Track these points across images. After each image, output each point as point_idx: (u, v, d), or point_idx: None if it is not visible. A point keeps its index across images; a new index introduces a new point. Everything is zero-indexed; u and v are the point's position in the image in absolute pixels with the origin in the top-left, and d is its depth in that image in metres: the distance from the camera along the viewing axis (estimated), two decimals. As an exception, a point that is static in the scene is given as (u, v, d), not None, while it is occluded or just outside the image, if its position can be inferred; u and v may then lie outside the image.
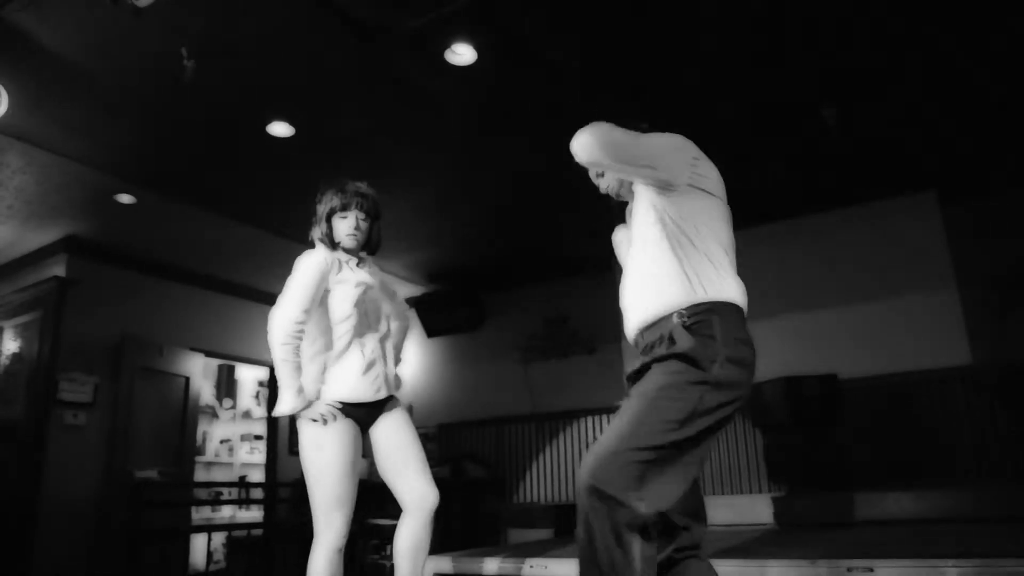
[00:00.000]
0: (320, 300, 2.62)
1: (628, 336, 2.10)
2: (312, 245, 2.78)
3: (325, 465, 2.49)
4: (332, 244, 2.73)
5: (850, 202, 5.58)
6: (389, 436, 2.68)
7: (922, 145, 4.78)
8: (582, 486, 1.73)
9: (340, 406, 2.57)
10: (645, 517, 1.68)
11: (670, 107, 4.21)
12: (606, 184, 2.24)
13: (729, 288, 1.96)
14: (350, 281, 2.66)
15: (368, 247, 2.82)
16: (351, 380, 2.60)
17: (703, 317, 1.88)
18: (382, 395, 2.66)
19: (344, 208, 2.72)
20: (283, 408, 2.50)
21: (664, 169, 1.97)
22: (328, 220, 2.74)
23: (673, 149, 2.02)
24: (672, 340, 1.88)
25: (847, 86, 4.05)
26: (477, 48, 3.61)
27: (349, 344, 2.63)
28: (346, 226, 2.71)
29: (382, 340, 2.74)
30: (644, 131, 2.05)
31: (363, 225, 2.74)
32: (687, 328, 1.87)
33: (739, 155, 4.82)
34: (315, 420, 2.50)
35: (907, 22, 3.49)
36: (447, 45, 3.58)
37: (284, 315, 2.53)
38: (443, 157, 4.79)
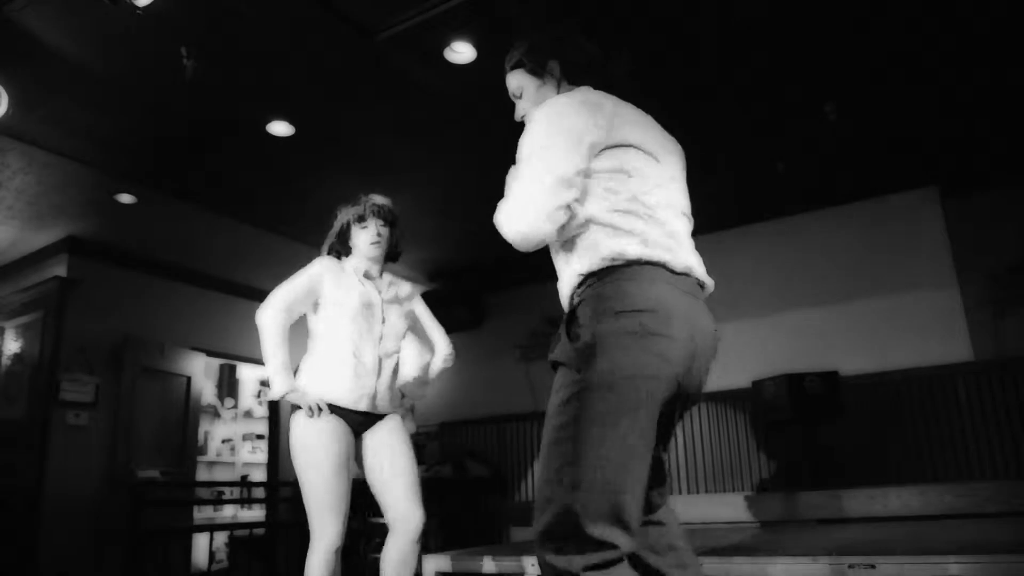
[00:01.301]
0: (313, 305, 2.75)
1: None
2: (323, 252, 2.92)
3: (313, 467, 2.52)
4: (343, 254, 2.86)
5: (851, 199, 5.58)
6: (377, 451, 2.71)
7: (923, 141, 4.77)
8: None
9: (336, 411, 2.62)
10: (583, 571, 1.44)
11: (669, 104, 4.20)
12: (522, 110, 2.00)
13: (627, 246, 1.58)
14: (353, 292, 2.73)
15: (391, 255, 2.93)
16: (334, 382, 2.64)
17: (589, 293, 1.58)
18: (363, 407, 2.66)
19: (362, 219, 2.81)
20: (275, 390, 2.58)
21: (576, 159, 1.62)
22: (344, 234, 2.85)
23: (565, 143, 1.63)
24: (558, 336, 1.62)
25: (848, 82, 4.04)
26: (476, 46, 3.61)
27: (347, 350, 2.67)
28: (368, 235, 2.81)
29: (383, 357, 2.76)
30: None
31: (383, 232, 2.84)
32: (571, 314, 1.59)
33: (740, 152, 4.82)
34: (302, 409, 2.55)
35: (907, 17, 3.49)
36: (446, 43, 3.58)
37: (264, 306, 2.73)
38: (443, 155, 4.79)
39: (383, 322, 2.78)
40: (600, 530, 1.44)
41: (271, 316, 2.69)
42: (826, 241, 5.67)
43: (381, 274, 2.91)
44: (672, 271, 1.60)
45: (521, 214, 1.61)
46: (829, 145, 4.74)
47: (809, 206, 5.70)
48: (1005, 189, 5.17)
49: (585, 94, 1.77)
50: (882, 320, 5.35)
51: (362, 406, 2.66)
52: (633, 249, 1.57)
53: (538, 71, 1.93)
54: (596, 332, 1.51)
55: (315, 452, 2.52)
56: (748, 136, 4.63)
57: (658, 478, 1.75)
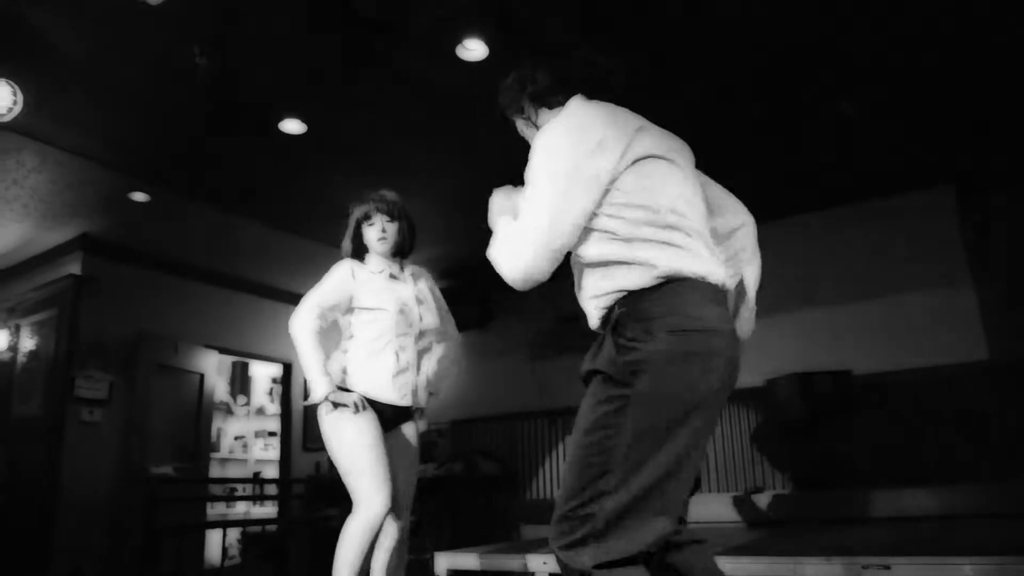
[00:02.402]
0: (345, 306, 2.77)
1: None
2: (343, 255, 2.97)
3: (355, 443, 2.54)
4: (359, 253, 2.90)
5: (866, 197, 5.54)
6: (396, 454, 2.75)
7: (940, 139, 4.73)
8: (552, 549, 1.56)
9: (373, 406, 2.68)
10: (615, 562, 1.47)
11: (683, 100, 4.18)
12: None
13: (671, 262, 1.60)
14: (382, 288, 2.79)
15: (402, 250, 2.94)
16: (381, 379, 2.70)
17: (636, 307, 1.58)
18: (407, 402, 2.75)
19: (368, 216, 2.86)
20: (318, 393, 2.58)
21: (595, 191, 1.63)
22: (357, 231, 2.90)
23: (586, 170, 1.62)
24: (599, 347, 1.63)
25: (863, 79, 4.01)
26: (488, 43, 3.61)
27: (385, 347, 2.72)
28: (374, 232, 2.85)
29: (420, 352, 2.86)
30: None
31: (390, 228, 2.87)
32: (616, 329, 1.59)
33: (754, 150, 4.80)
34: (346, 406, 2.56)
35: (923, 16, 3.46)
36: (458, 40, 3.57)
37: (302, 306, 2.72)
38: (455, 153, 4.79)
39: (420, 319, 2.86)
40: (625, 543, 1.47)
41: (304, 323, 2.69)
42: (840, 240, 5.63)
43: (402, 269, 2.95)
44: (710, 284, 1.63)
45: (520, 256, 1.66)
46: (844, 143, 4.71)
47: (823, 204, 5.67)
48: (1021, 188, 5.12)
49: (582, 115, 1.75)
50: (896, 319, 5.31)
51: (406, 402, 2.75)
52: (676, 265, 1.59)
53: (517, 114, 1.99)
54: (647, 349, 1.52)
55: (355, 428, 2.56)
56: (761, 134, 4.60)
57: (693, 488, 1.78)
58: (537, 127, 1.95)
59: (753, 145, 4.74)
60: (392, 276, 2.87)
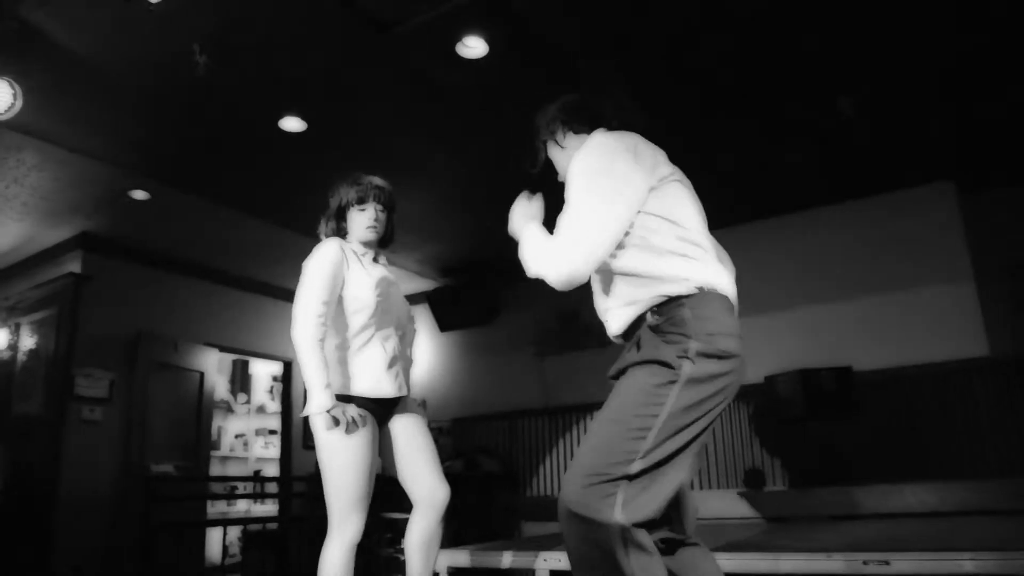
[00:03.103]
0: (337, 294, 2.54)
1: (610, 336, 2.04)
2: (322, 237, 2.74)
3: (346, 466, 2.44)
4: (342, 236, 2.70)
5: (866, 193, 5.54)
6: (408, 437, 2.65)
7: (939, 135, 4.73)
8: (561, 510, 1.68)
9: (368, 405, 2.53)
10: (626, 530, 1.60)
11: (682, 100, 4.18)
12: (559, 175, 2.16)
13: (701, 274, 1.81)
14: (368, 275, 2.61)
15: (384, 240, 2.79)
16: (376, 374, 2.55)
17: (673, 313, 1.78)
18: (404, 392, 2.65)
19: (362, 201, 2.68)
20: (315, 405, 2.38)
21: (633, 204, 1.83)
22: (341, 214, 2.71)
23: (624, 184, 1.82)
24: (639, 346, 1.81)
25: (863, 76, 4.01)
26: (488, 40, 3.60)
27: (371, 338, 2.58)
28: (365, 219, 2.67)
29: (400, 338, 2.72)
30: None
31: (381, 217, 2.71)
32: (656, 329, 1.79)
33: (755, 147, 4.79)
34: (340, 422, 2.40)
35: (922, 12, 3.46)
36: (458, 38, 3.57)
37: (304, 311, 2.44)
38: (455, 150, 4.78)
39: (399, 304, 2.74)
40: (649, 502, 1.65)
41: (309, 332, 2.42)
42: (841, 236, 5.63)
43: (376, 259, 2.78)
44: (726, 296, 1.85)
45: (566, 261, 1.81)
46: (844, 139, 4.71)
47: (824, 200, 5.67)
48: (1022, 184, 5.12)
49: (616, 138, 1.93)
50: (897, 316, 5.31)
51: (402, 392, 2.63)
52: (704, 277, 1.80)
53: (550, 136, 2.14)
54: (690, 345, 1.73)
55: (351, 451, 2.44)
56: (762, 131, 4.60)
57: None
58: (562, 147, 2.14)
59: (753, 144, 4.73)
60: (374, 260, 2.74)
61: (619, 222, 1.81)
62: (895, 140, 4.79)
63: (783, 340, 5.60)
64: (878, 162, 5.08)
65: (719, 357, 1.74)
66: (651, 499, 1.66)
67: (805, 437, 5.25)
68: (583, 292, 2.09)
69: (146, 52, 3.60)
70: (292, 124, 4.32)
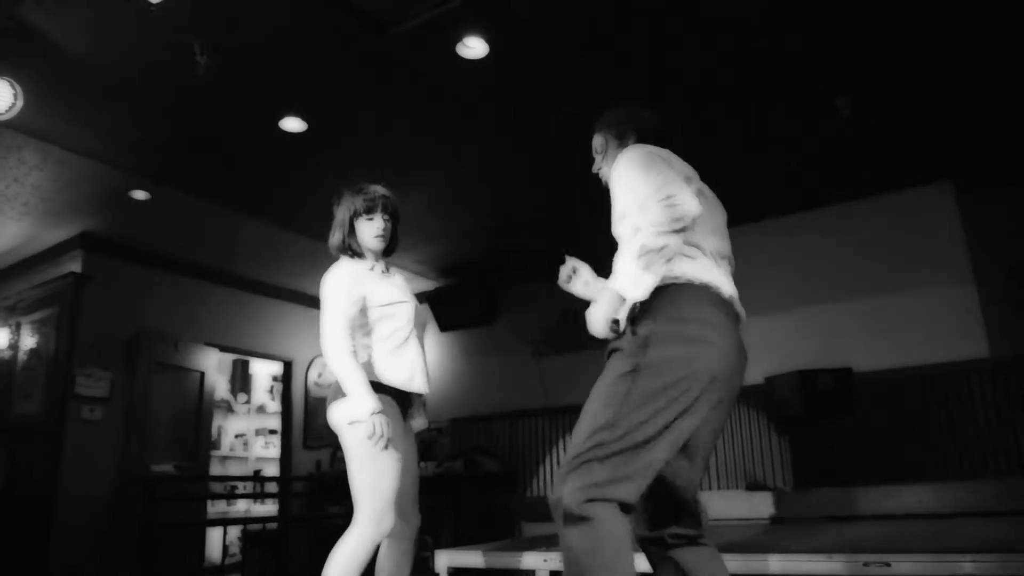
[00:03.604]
0: (361, 309, 2.64)
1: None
2: (334, 251, 2.83)
3: (388, 467, 2.49)
4: (353, 250, 2.76)
5: (865, 194, 5.54)
6: (405, 462, 2.69)
7: (938, 135, 4.73)
8: (552, 502, 1.78)
9: (399, 398, 2.65)
10: (568, 500, 1.70)
11: (684, 98, 4.18)
12: (597, 165, 2.30)
13: (689, 268, 1.88)
14: (390, 284, 2.74)
15: (388, 249, 2.84)
16: (410, 372, 2.67)
17: (652, 302, 1.84)
18: (426, 389, 2.75)
19: (369, 211, 2.73)
20: (364, 409, 2.45)
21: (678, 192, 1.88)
22: (350, 224, 2.76)
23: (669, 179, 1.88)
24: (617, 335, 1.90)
25: (861, 76, 4.01)
26: (488, 41, 3.60)
27: (407, 338, 2.69)
28: (373, 229, 2.73)
29: (420, 340, 2.83)
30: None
31: (387, 227, 2.76)
32: (633, 319, 1.85)
33: (754, 147, 4.79)
34: (382, 433, 2.45)
35: (920, 12, 3.46)
36: (458, 38, 3.57)
37: (330, 340, 2.56)
38: (456, 151, 4.78)
39: (418, 308, 2.84)
40: (613, 488, 1.71)
41: (340, 347, 2.54)
42: (840, 237, 5.63)
43: (387, 269, 2.88)
44: (720, 295, 1.91)
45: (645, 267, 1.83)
46: (842, 140, 4.71)
47: (823, 202, 5.66)
48: (1022, 184, 5.11)
49: (659, 150, 2.03)
50: (897, 316, 5.31)
51: (426, 388, 2.75)
52: (691, 271, 1.87)
53: (616, 134, 2.22)
54: (652, 330, 1.81)
55: (393, 456, 2.51)
56: (760, 131, 4.60)
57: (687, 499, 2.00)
58: (614, 151, 2.20)
59: (752, 145, 4.73)
60: (384, 271, 2.82)
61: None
62: (894, 140, 4.79)
63: (782, 341, 5.60)
64: (877, 163, 5.08)
65: (685, 341, 1.79)
66: (624, 480, 1.72)
67: (804, 438, 5.25)
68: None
69: (146, 52, 3.60)
70: (292, 124, 4.31)
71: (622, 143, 2.18)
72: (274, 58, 3.72)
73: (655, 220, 1.77)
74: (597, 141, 2.27)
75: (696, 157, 2.16)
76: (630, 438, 1.72)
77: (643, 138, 2.16)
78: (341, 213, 2.78)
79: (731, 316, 1.94)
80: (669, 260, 1.82)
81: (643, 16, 3.46)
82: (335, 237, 2.80)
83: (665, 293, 1.84)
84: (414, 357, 2.71)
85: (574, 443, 1.80)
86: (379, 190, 2.78)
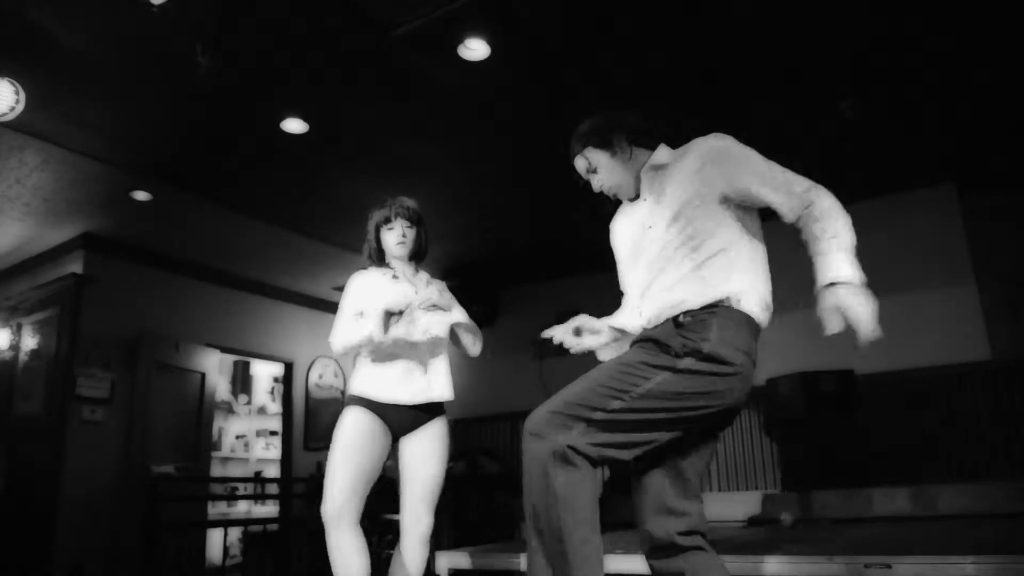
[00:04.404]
0: (361, 312, 2.80)
1: (644, 321, 2.05)
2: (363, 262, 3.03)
3: (339, 458, 2.70)
4: (380, 258, 2.97)
5: (867, 195, 5.53)
6: (414, 453, 2.84)
7: (940, 138, 4.73)
8: (523, 436, 1.82)
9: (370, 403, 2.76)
10: (564, 448, 1.72)
11: (687, 98, 4.18)
12: (599, 182, 2.18)
13: (747, 292, 1.95)
14: (388, 291, 2.85)
15: (418, 254, 3.05)
16: (390, 382, 2.77)
17: (704, 316, 1.86)
18: (419, 400, 2.80)
19: (388, 220, 2.92)
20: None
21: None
22: (377, 235, 2.96)
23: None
24: (660, 336, 1.89)
25: (864, 78, 4.01)
26: (490, 43, 3.60)
27: (391, 347, 2.79)
28: (394, 236, 2.92)
29: (430, 349, 2.90)
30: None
31: (409, 233, 2.95)
32: (680, 325, 1.87)
33: (755, 148, 4.78)
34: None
35: (923, 20, 3.46)
36: (460, 40, 3.57)
37: (335, 342, 2.78)
38: (457, 152, 4.78)
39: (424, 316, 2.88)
40: (599, 448, 1.75)
41: (338, 339, 2.79)
42: (842, 238, 5.61)
43: (417, 272, 3.05)
44: (756, 320, 1.96)
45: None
46: (845, 141, 4.70)
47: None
48: (1023, 185, 5.11)
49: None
50: (898, 318, 5.30)
51: (419, 399, 2.80)
52: (751, 300, 1.95)
53: (606, 145, 2.14)
54: (701, 344, 1.81)
55: (344, 428, 2.72)
56: (762, 134, 4.59)
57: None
58: (617, 159, 2.15)
59: (753, 146, 4.72)
60: (395, 277, 2.92)
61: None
62: (895, 142, 4.78)
63: (784, 342, 5.58)
64: (878, 164, 5.07)
65: (720, 362, 1.80)
66: (613, 439, 1.76)
67: (806, 440, 5.24)
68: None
69: (148, 53, 3.60)
70: (294, 126, 4.32)
71: (635, 140, 2.14)
72: (276, 59, 3.72)
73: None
74: (582, 163, 2.19)
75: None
76: (626, 416, 1.76)
77: (640, 142, 2.15)
78: (369, 226, 2.98)
79: (756, 336, 1.99)
80: None
81: (643, 17, 3.46)
82: (364, 249, 3.01)
83: (723, 312, 1.88)
84: (397, 367, 2.79)
85: (564, 398, 1.81)
86: (400, 200, 2.97)
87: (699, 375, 1.79)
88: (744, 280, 1.96)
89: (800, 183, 2.09)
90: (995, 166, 5.11)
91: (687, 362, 1.79)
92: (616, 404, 1.76)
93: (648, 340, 1.90)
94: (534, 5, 3.36)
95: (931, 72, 3.96)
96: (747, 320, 1.91)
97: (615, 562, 2.94)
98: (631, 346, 1.99)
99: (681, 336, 1.84)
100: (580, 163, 2.22)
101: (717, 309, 1.87)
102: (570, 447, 1.72)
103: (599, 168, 2.16)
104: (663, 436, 1.82)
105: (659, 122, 2.22)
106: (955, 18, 3.50)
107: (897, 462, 4.98)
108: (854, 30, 3.59)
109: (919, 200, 5.39)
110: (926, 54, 3.80)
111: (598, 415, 1.75)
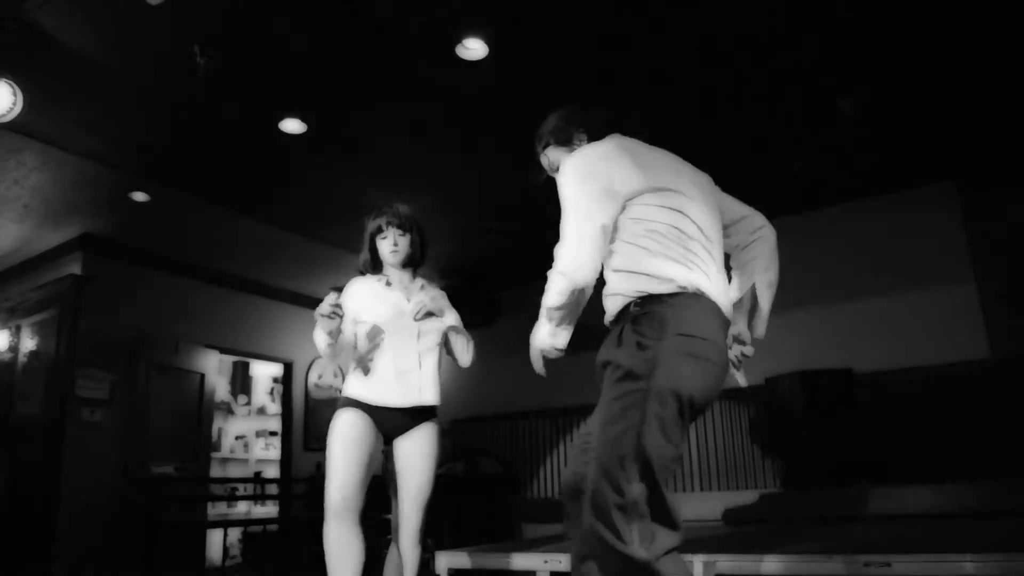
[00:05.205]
0: (352, 322, 2.86)
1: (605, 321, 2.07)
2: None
3: (332, 454, 2.73)
4: (374, 266, 2.97)
5: (867, 194, 5.54)
6: (405, 454, 2.83)
7: (939, 136, 4.73)
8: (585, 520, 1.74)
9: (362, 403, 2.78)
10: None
11: (685, 99, 4.18)
12: (546, 163, 2.22)
13: (686, 276, 1.85)
14: (378, 296, 2.89)
15: (412, 260, 3.02)
16: (379, 385, 2.78)
17: (652, 308, 1.83)
18: (410, 402, 2.80)
19: (381, 229, 2.93)
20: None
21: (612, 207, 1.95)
22: (372, 244, 2.96)
23: (599, 194, 1.94)
24: (620, 339, 1.88)
25: (864, 77, 4.01)
26: (488, 42, 3.60)
27: (384, 355, 2.81)
28: (387, 245, 2.93)
29: (422, 353, 2.89)
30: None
31: (401, 241, 2.94)
32: (635, 321, 1.84)
33: (754, 149, 4.79)
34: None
35: (924, 14, 3.46)
36: (458, 39, 3.57)
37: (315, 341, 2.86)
38: (455, 152, 4.78)
39: (416, 322, 2.90)
40: (667, 531, 1.69)
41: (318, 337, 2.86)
42: (841, 237, 5.63)
43: (413, 278, 3.03)
44: (712, 301, 1.87)
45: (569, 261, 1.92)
46: (845, 140, 4.70)
47: (824, 202, 5.66)
48: (1022, 184, 5.11)
49: (614, 142, 2.02)
50: (898, 317, 5.31)
51: (410, 402, 2.79)
52: (689, 279, 1.84)
53: (566, 141, 2.17)
54: (659, 349, 1.76)
55: (337, 427, 2.76)
56: (761, 133, 4.60)
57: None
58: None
59: (753, 146, 4.73)
60: (388, 284, 2.93)
61: (605, 229, 1.92)
62: (895, 141, 4.79)
63: (784, 341, 5.58)
64: (878, 163, 5.08)
65: (690, 358, 1.77)
66: (670, 524, 1.71)
67: (805, 438, 5.25)
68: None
69: (146, 53, 3.60)
70: (292, 126, 4.32)
71: (571, 147, 2.14)
72: (274, 60, 3.72)
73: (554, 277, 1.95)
74: (545, 162, 2.21)
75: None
76: (651, 467, 1.70)
77: (593, 135, 2.12)
78: (364, 236, 2.99)
79: (719, 316, 1.91)
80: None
81: (643, 17, 3.46)
82: (360, 256, 3.02)
83: (665, 304, 1.82)
84: (386, 369, 2.79)
85: (598, 478, 1.73)
86: (393, 208, 2.96)
87: (673, 384, 1.78)
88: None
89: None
90: (995, 165, 5.11)
91: (659, 380, 1.78)
92: (633, 466, 1.74)
93: (607, 364, 1.92)
94: (532, 4, 3.36)
95: (929, 70, 3.97)
96: (692, 300, 1.88)
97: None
98: (605, 367, 1.99)
99: (637, 347, 1.84)
100: (543, 161, 2.24)
101: (666, 298, 1.86)
102: (650, 552, 1.68)
103: (561, 167, 2.14)
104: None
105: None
106: (955, 18, 3.50)
107: (896, 460, 4.98)
108: (853, 29, 3.59)
109: (919, 198, 5.39)
110: (925, 53, 3.80)
111: (634, 488, 1.72)
